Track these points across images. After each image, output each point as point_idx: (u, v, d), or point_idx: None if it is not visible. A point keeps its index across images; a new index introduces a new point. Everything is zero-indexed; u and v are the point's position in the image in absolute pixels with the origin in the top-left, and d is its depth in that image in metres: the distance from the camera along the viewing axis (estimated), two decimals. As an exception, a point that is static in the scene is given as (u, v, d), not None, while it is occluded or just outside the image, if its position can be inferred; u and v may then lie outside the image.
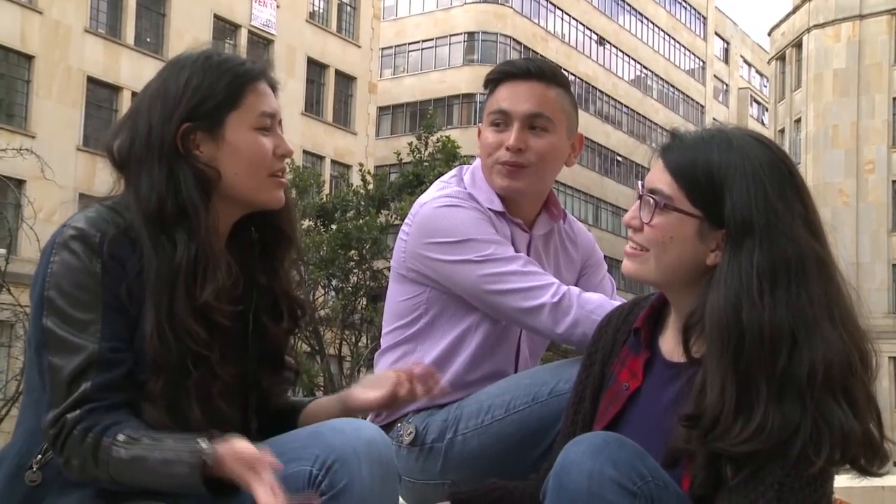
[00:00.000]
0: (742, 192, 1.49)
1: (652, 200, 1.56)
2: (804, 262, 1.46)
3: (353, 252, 20.87)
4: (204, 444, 1.45)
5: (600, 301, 2.05)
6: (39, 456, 1.55)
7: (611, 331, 1.75)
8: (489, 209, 2.17)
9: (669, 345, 1.65)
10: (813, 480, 1.41)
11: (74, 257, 1.51)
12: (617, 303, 2.03)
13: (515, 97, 2.18)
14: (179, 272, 1.54)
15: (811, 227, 1.51)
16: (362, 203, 22.28)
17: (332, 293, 21.44)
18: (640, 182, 1.62)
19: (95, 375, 1.49)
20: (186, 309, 1.53)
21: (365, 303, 21.03)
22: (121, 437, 1.47)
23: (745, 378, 1.42)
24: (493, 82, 2.24)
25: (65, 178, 20.32)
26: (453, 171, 2.30)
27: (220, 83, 1.64)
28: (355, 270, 21.23)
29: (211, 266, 1.57)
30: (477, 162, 2.27)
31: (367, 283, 21.13)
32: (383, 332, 2.27)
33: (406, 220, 2.19)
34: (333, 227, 21.13)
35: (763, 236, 1.46)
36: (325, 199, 22.86)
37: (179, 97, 1.62)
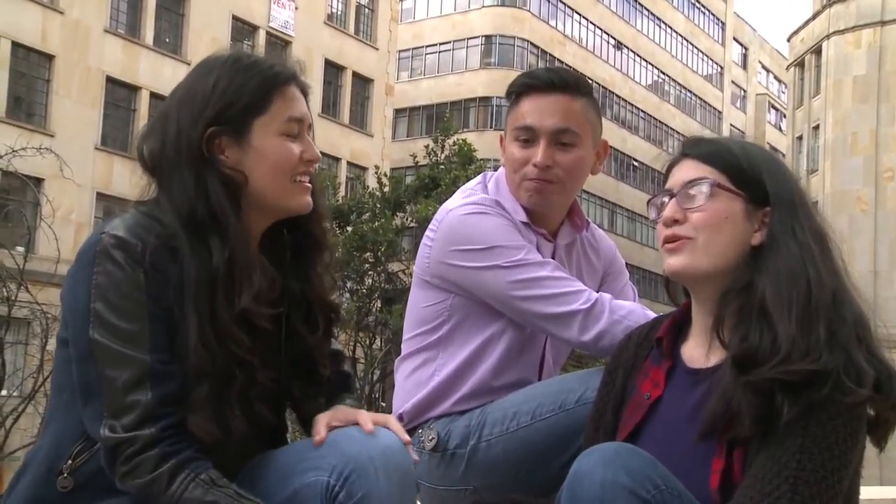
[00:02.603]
0: (778, 175, 1.65)
1: (703, 186, 1.63)
2: (829, 236, 1.65)
3: (368, 254, 20.92)
4: None
5: (631, 307, 2.02)
6: (70, 461, 1.52)
7: (632, 347, 1.78)
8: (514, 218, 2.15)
9: (691, 353, 1.67)
10: (832, 473, 1.44)
11: (118, 267, 1.49)
12: (648, 311, 2.02)
13: (540, 112, 2.13)
14: (217, 278, 1.52)
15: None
16: (378, 205, 22.33)
17: (347, 295, 21.45)
18: (665, 192, 1.68)
19: (152, 387, 1.47)
20: (229, 315, 1.52)
21: (379, 305, 21.05)
22: (204, 477, 1.45)
23: (809, 323, 1.52)
24: (515, 94, 2.19)
25: (83, 177, 20.41)
26: (478, 179, 2.28)
27: (248, 87, 1.61)
28: (370, 273, 21.27)
29: (246, 271, 1.55)
30: (501, 170, 2.25)
31: (382, 285, 21.18)
32: (404, 337, 2.25)
33: (431, 227, 2.17)
34: (349, 229, 21.19)
35: (802, 211, 1.63)
36: (340, 200, 22.90)
37: (206, 101, 1.59)
